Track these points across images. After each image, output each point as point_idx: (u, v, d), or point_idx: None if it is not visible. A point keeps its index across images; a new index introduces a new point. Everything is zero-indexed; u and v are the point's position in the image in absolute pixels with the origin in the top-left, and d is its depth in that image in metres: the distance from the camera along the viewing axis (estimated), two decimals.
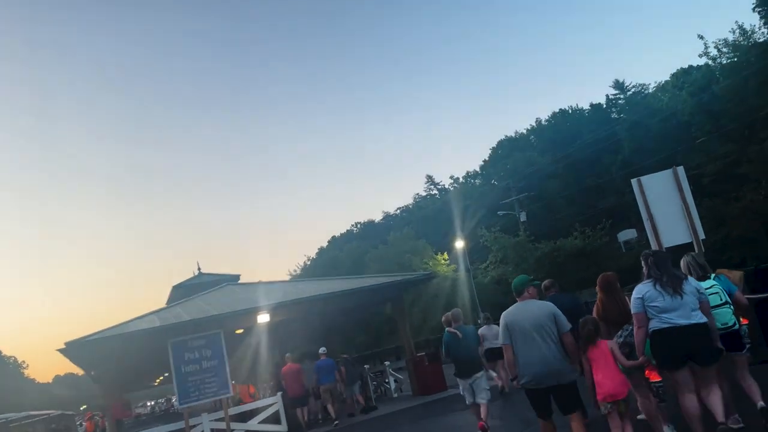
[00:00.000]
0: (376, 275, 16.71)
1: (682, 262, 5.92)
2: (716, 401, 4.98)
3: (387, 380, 17.11)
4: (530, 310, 5.66)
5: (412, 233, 49.40)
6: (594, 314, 6.10)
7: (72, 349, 11.84)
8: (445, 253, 44.99)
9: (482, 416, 8.29)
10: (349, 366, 14.77)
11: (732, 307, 5.56)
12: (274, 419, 13.57)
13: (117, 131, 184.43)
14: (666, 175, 9.26)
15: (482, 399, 8.37)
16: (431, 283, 44.06)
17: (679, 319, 4.95)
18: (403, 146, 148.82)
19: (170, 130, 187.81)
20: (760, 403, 5.28)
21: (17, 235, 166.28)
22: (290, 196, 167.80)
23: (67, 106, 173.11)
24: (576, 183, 52.72)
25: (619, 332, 5.74)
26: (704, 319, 4.97)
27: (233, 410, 13.29)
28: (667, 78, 52.00)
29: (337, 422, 13.39)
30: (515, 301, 5.91)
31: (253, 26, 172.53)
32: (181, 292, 20.33)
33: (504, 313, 5.87)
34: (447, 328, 8.87)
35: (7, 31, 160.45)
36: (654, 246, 8.85)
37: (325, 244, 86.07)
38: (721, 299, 5.51)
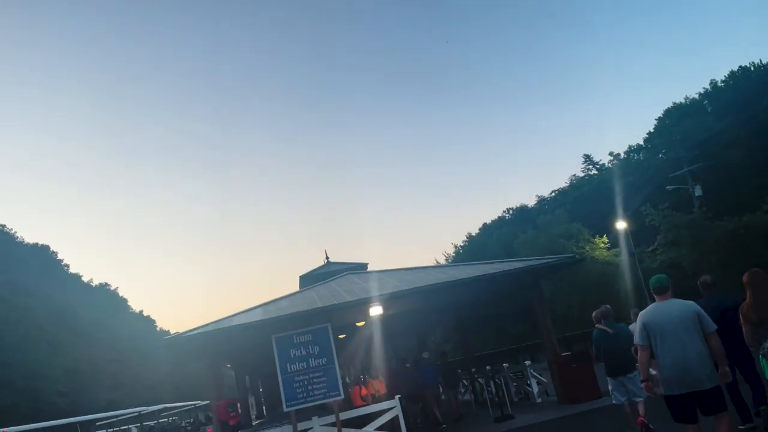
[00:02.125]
0: (511, 260, 14.36)
1: None
2: None
3: (528, 382, 14.69)
4: (672, 310, 5.28)
5: (565, 215, 45.31)
6: (741, 315, 5.66)
7: (172, 346, 11.10)
8: (605, 236, 40.52)
9: (641, 412, 7.87)
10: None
11: None
12: (392, 426, 11.88)
13: (239, 116, 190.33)
14: None
15: (639, 397, 8.04)
16: (591, 271, 40.17)
17: None
18: (559, 125, 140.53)
19: (300, 114, 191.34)
20: None
21: (159, 226, 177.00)
22: (440, 182, 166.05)
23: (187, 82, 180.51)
24: (764, 150, 45.01)
25: None
26: None
27: (346, 414, 11.80)
28: None
29: (444, 426, 13.07)
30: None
31: None
32: (309, 281, 19.54)
33: (642, 312, 5.58)
34: (597, 325, 8.72)
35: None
36: None
37: (475, 231, 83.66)
38: None
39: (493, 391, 15.00)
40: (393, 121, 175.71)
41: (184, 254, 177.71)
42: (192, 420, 22.96)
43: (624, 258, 38.17)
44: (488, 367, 16.61)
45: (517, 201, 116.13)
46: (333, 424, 11.52)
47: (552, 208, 61.60)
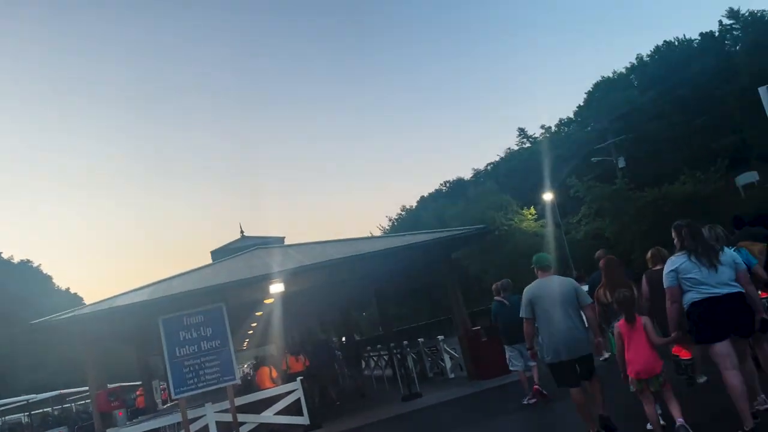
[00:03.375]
0: (419, 232, 13.79)
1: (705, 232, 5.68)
2: (753, 376, 4.97)
3: (442, 358, 14.33)
4: (554, 285, 5.71)
5: (495, 187, 45.62)
6: (595, 297, 6.27)
7: (41, 331, 10.02)
8: (532, 208, 40.97)
9: (535, 379, 8.43)
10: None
11: None
12: (294, 409, 11.25)
13: (156, 83, 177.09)
14: None
15: (532, 362, 8.36)
16: (519, 242, 40.62)
17: (717, 289, 4.73)
18: (499, 99, 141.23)
19: (220, 77, 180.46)
20: None
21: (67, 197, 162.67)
22: (378, 155, 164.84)
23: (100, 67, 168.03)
24: (684, 123, 46.45)
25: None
26: (741, 289, 4.78)
27: (244, 399, 11.08)
28: None
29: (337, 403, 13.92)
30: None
31: None
32: (221, 256, 18.54)
33: (527, 288, 5.89)
34: (496, 297, 9.27)
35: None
36: None
37: (413, 204, 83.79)
38: None
39: (410, 366, 14.67)
40: (327, 95, 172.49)
41: (111, 231, 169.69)
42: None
43: (550, 229, 38.71)
44: (405, 342, 16.21)
45: (456, 174, 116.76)
46: (228, 411, 10.78)
47: (486, 180, 62.08)
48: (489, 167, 76.52)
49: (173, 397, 10.61)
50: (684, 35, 57.56)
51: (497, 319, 9.27)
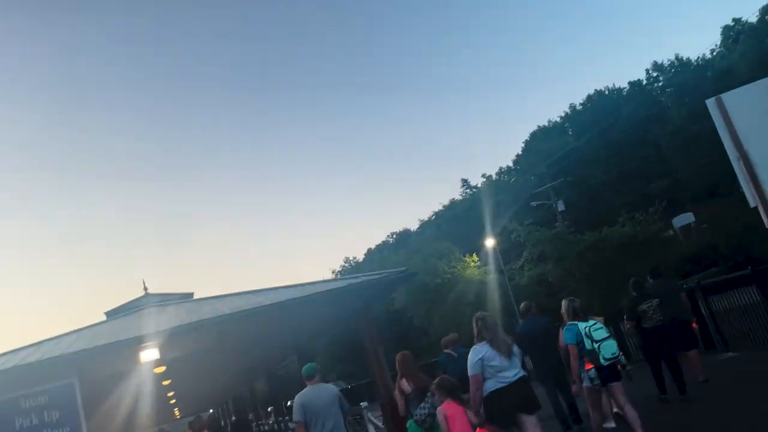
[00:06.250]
0: (332, 279, 11.96)
1: (564, 304, 6.80)
2: None
3: (367, 429, 12.21)
4: (322, 392, 6.48)
5: (438, 235, 44.39)
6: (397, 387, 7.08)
7: None
8: (474, 254, 39.81)
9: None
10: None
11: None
12: None
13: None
14: (764, 85, 4.56)
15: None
16: (465, 290, 39.07)
17: (513, 376, 5.27)
18: (439, 151, 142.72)
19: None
20: None
21: None
22: (327, 209, 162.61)
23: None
24: (618, 166, 46.92)
25: (422, 404, 6.47)
26: (525, 374, 5.44)
27: None
28: (710, 49, 45.85)
29: None
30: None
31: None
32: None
33: (299, 394, 6.44)
34: (444, 350, 9.42)
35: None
36: (753, 201, 5.13)
37: (361, 257, 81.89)
38: (608, 333, 6.32)
39: None
40: (281, 151, 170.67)
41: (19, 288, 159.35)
42: None
43: (493, 276, 37.51)
44: None
45: (403, 226, 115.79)
46: None
47: (429, 230, 61.04)
48: (432, 217, 75.87)
49: None
50: (614, 84, 59.20)
51: (446, 372, 8.88)
